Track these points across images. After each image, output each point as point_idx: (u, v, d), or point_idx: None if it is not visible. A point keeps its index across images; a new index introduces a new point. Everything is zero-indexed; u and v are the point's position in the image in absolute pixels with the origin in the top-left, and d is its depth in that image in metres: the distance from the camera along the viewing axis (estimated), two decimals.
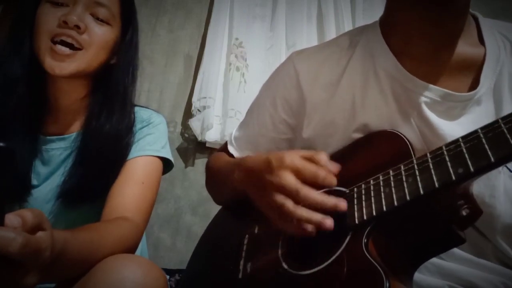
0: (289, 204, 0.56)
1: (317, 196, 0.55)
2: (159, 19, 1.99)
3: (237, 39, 1.89)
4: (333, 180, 0.56)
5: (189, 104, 1.86)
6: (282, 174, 0.58)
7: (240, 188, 0.70)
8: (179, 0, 2.02)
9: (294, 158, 0.59)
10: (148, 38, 1.94)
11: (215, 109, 1.78)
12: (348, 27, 1.94)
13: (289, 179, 0.57)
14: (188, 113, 1.86)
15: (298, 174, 0.57)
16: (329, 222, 0.53)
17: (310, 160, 0.59)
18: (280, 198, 0.57)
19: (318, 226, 0.54)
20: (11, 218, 0.42)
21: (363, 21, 1.94)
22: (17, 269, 0.42)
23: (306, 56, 0.77)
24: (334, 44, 0.76)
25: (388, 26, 0.68)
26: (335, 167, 0.57)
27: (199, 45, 1.97)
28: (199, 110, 1.77)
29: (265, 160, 0.62)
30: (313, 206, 0.55)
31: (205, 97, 1.76)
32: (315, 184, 0.57)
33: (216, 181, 0.87)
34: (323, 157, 0.58)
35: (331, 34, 1.90)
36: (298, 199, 0.56)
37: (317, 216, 0.54)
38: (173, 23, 1.99)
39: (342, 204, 0.54)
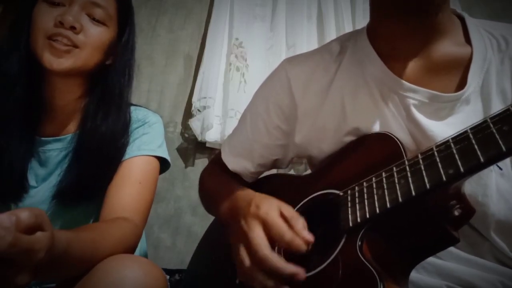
0: (247, 263, 0.55)
1: (275, 262, 0.52)
2: (159, 19, 1.99)
3: (237, 39, 1.88)
4: (301, 246, 0.53)
5: (189, 104, 1.86)
6: (252, 224, 0.57)
7: (224, 221, 0.71)
8: (179, 0, 2.02)
9: (270, 210, 0.57)
10: (148, 38, 1.94)
11: (215, 109, 1.78)
12: (348, 27, 1.93)
13: (255, 234, 0.56)
14: (188, 113, 1.86)
15: (267, 229, 0.56)
16: None
17: (287, 220, 0.56)
18: (243, 253, 0.56)
19: None
20: (4, 218, 0.42)
21: (363, 21, 1.94)
22: (8, 267, 0.42)
23: (297, 63, 0.78)
24: (325, 50, 0.77)
25: (373, 32, 0.70)
26: (309, 236, 0.54)
27: (199, 45, 1.97)
28: (199, 110, 1.77)
29: (247, 202, 0.62)
30: (269, 271, 0.53)
31: (205, 97, 1.76)
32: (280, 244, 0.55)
33: (206, 200, 0.88)
34: (299, 223, 0.55)
35: (331, 34, 1.90)
36: (255, 259, 0.54)
37: (270, 284, 0.52)
38: (173, 23, 1.99)
39: (301, 275, 0.51)
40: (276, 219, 0.56)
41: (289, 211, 0.58)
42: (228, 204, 0.70)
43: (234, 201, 0.68)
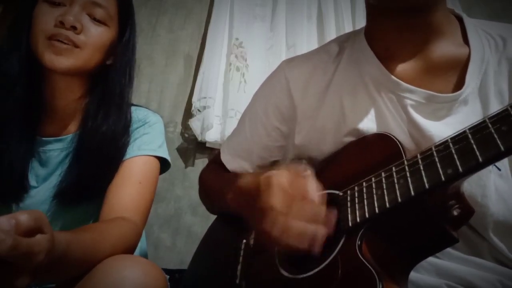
0: (277, 229, 0.54)
1: (300, 223, 0.53)
2: (159, 19, 1.99)
3: (237, 39, 1.88)
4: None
5: (189, 104, 1.86)
6: (269, 195, 0.56)
7: (235, 209, 0.70)
8: (179, 0, 2.02)
9: (281, 177, 0.57)
10: (148, 38, 1.94)
11: (215, 109, 1.78)
12: (348, 27, 1.93)
13: (276, 201, 0.55)
14: (188, 113, 1.86)
15: (286, 193, 0.56)
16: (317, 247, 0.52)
17: (296, 175, 0.57)
18: (270, 222, 0.55)
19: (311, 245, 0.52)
20: (3, 221, 0.42)
21: (363, 20, 1.92)
22: (8, 270, 0.43)
23: (296, 64, 0.78)
24: (323, 51, 0.77)
25: (370, 32, 0.70)
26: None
27: (199, 45, 1.97)
28: (199, 110, 1.77)
29: (255, 182, 0.61)
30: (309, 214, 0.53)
31: (205, 97, 1.76)
32: (304, 200, 0.55)
33: (209, 197, 0.87)
34: (308, 177, 0.56)
35: (331, 34, 1.90)
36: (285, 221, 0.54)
37: (311, 227, 0.52)
38: (173, 23, 1.99)
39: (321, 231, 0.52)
40: (290, 180, 0.56)
41: (296, 168, 0.58)
42: (236, 194, 0.69)
43: (241, 189, 0.67)
